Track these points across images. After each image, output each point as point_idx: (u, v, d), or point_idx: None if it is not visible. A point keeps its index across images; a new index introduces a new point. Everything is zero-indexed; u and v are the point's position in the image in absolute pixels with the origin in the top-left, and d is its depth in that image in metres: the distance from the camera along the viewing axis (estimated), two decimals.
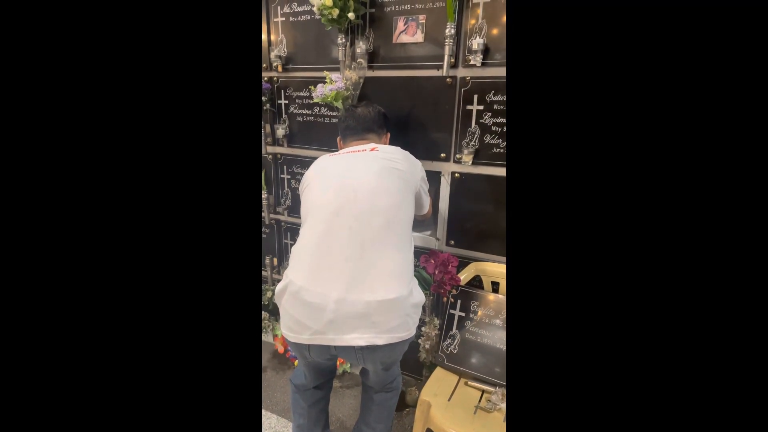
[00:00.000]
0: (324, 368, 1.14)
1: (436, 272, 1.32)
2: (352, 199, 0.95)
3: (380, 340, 0.91)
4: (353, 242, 0.92)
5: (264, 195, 1.73)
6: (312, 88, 1.39)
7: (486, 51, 1.21)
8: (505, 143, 1.26)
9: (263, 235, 1.85)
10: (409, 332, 0.96)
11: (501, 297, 1.31)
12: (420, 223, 1.45)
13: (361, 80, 1.41)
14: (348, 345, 0.91)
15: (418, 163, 1.12)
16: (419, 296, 0.99)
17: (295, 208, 1.74)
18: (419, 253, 1.47)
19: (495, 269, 1.34)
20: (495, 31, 1.19)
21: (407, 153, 1.10)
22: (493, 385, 1.22)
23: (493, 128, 1.27)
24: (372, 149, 1.06)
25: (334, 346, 0.93)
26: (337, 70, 1.43)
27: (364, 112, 1.18)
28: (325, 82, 1.36)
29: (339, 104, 1.37)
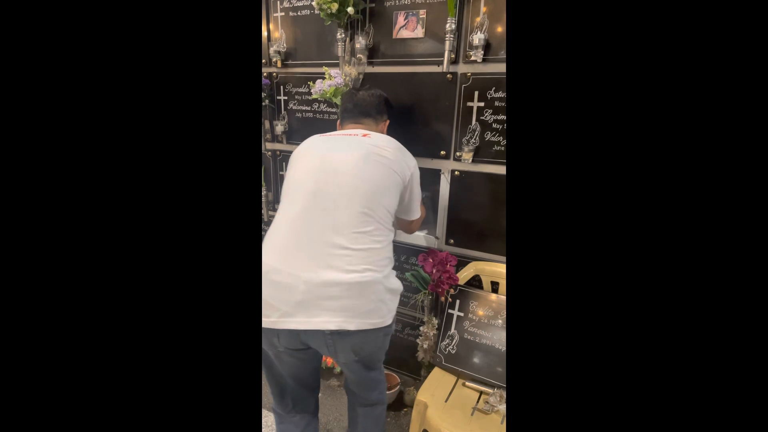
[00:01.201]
0: (299, 371, 1.03)
1: (434, 271, 1.30)
2: (331, 181, 0.93)
3: (351, 325, 0.87)
4: (327, 224, 0.90)
5: (263, 192, 1.72)
6: (311, 84, 1.38)
7: (487, 46, 1.19)
8: (505, 141, 1.24)
9: (262, 232, 1.84)
10: (382, 319, 0.92)
11: (501, 297, 1.29)
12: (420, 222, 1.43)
13: (361, 76, 1.39)
14: (317, 329, 0.87)
15: (411, 159, 1.06)
16: (396, 283, 0.96)
17: None
18: (417, 251, 1.46)
19: (495, 269, 1.32)
20: (496, 27, 1.17)
21: (401, 146, 1.06)
22: (492, 386, 1.20)
23: (494, 125, 1.25)
24: (364, 135, 1.03)
25: (303, 331, 0.88)
26: (336, 65, 1.42)
27: (364, 96, 1.15)
28: (324, 78, 1.34)
29: (338, 100, 1.35)
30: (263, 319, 0.90)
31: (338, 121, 1.19)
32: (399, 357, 1.64)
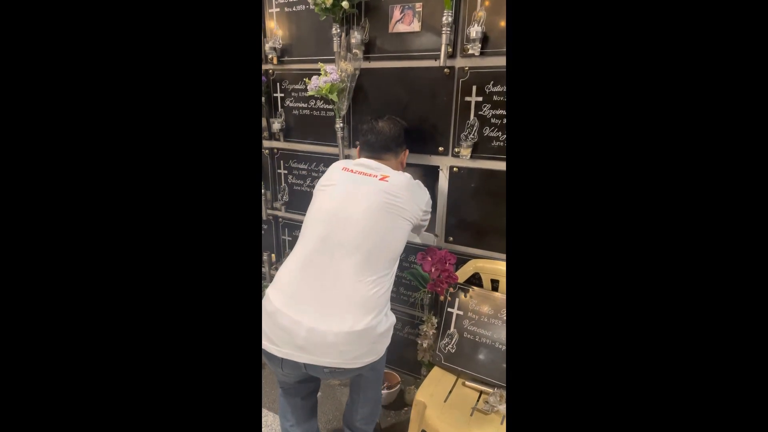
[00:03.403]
0: (304, 377, 1.09)
1: (433, 270, 1.28)
2: (341, 228, 0.99)
3: (347, 365, 0.96)
4: (331, 271, 0.97)
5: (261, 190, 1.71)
6: (307, 80, 1.36)
7: (485, 40, 1.16)
8: (504, 136, 1.22)
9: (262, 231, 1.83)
10: (377, 355, 1.01)
11: (500, 295, 1.27)
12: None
13: (357, 72, 1.37)
14: (318, 365, 0.95)
15: (424, 196, 1.13)
16: (387, 323, 1.02)
17: (292, 204, 1.71)
18: (417, 249, 1.44)
19: (494, 267, 1.30)
20: (493, 19, 1.14)
21: (416, 186, 1.10)
22: (491, 385, 1.19)
23: (493, 120, 1.22)
24: (382, 177, 1.06)
25: (304, 364, 0.96)
26: (333, 61, 1.40)
27: (385, 128, 1.15)
28: (320, 74, 1.32)
29: (334, 97, 1.33)
30: (268, 345, 0.98)
31: (357, 148, 1.21)
32: (399, 356, 1.62)
